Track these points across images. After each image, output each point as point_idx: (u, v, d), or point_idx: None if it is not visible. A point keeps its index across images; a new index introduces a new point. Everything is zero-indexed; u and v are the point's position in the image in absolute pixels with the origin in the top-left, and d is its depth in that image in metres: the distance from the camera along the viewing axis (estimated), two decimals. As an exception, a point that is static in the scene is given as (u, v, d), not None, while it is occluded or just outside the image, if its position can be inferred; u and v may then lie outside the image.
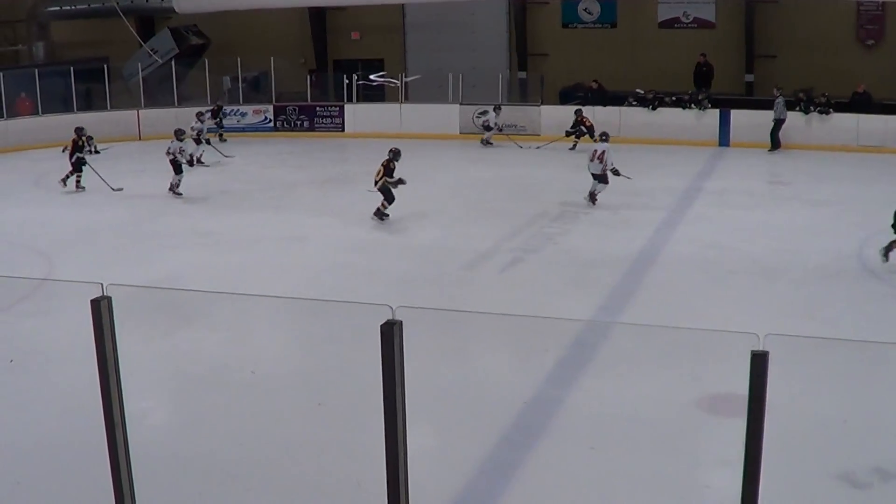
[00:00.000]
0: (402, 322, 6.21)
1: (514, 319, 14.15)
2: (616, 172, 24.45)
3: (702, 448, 11.21)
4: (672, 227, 22.26)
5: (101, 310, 7.15)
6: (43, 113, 38.55)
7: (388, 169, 22.75)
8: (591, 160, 24.74)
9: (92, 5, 43.98)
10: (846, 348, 12.53)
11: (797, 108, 33.04)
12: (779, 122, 32.55)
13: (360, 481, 10.03)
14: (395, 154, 23.08)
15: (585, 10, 41.50)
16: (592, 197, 24.46)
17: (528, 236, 21.65)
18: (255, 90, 42.31)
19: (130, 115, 38.75)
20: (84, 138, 28.36)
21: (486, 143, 35.00)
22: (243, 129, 39.45)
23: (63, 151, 28.85)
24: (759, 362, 6.00)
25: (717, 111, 34.65)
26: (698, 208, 24.42)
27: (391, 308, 6.19)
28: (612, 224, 22.52)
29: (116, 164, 29.94)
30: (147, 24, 46.32)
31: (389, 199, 22.78)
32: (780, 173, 29.70)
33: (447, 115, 36.59)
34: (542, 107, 36.56)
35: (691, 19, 39.71)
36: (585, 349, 14.50)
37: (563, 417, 12.20)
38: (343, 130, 39.19)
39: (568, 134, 33.64)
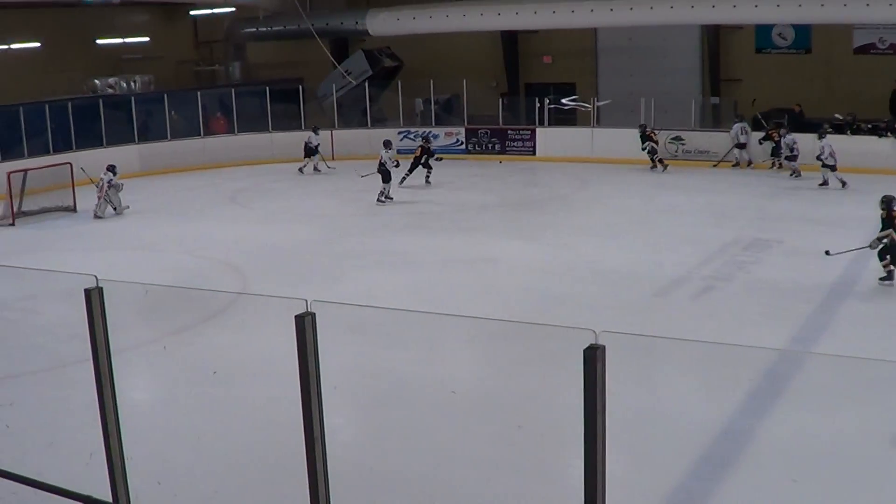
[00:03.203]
0: (605, 347, 6.25)
1: (707, 347, 14.05)
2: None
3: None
4: (868, 257, 21.77)
5: (306, 325, 7.26)
6: (238, 132, 39.47)
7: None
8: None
9: (288, 27, 45.01)
10: None
11: None
12: None
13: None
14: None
15: (779, 35, 40.95)
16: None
17: (720, 264, 21.41)
18: (448, 113, 42.66)
19: (324, 135, 39.37)
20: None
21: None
22: (435, 151, 39.76)
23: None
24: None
25: (914, 138, 33.68)
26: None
27: (594, 332, 6.23)
28: (806, 253, 22.10)
29: (309, 185, 30.48)
30: (341, 45, 47.18)
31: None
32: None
33: (639, 140, 36.33)
34: (736, 133, 36.17)
35: (887, 45, 38.81)
36: (778, 380, 14.30)
37: (757, 449, 12.08)
38: (534, 154, 39.33)
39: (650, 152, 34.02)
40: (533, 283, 20.27)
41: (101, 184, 28.99)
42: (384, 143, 30.18)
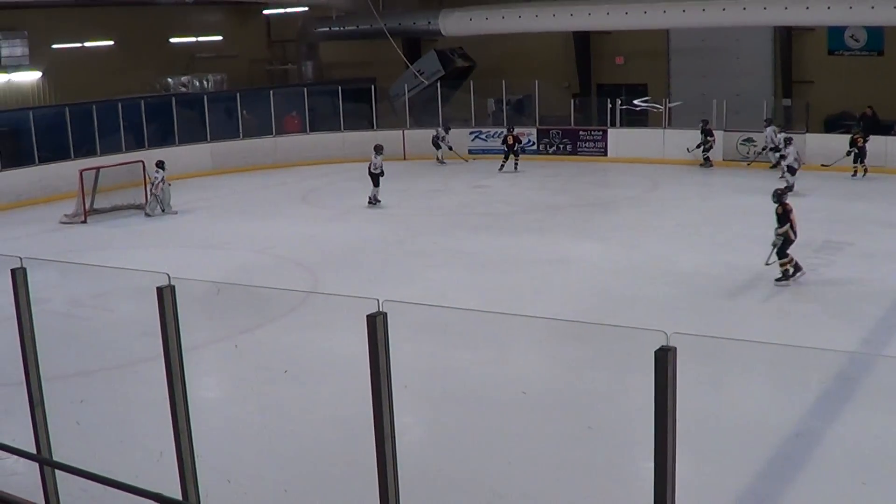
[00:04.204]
0: (676, 349, 6.24)
1: (776, 349, 13.96)
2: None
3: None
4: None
5: (377, 325, 7.28)
6: (311, 131, 39.67)
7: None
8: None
9: (360, 27, 45.13)
10: None
11: None
12: None
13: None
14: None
15: (852, 37, 40.54)
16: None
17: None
18: (520, 113, 42.67)
19: (396, 134, 39.58)
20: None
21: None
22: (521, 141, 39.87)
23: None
24: None
25: None
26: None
27: (665, 334, 6.22)
28: (878, 256, 21.90)
29: (383, 184, 30.59)
30: (414, 45, 47.28)
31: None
32: None
33: (700, 136, 36.14)
34: (808, 135, 35.84)
35: (960, 46, 38.49)
36: (849, 382, 14.19)
37: (827, 451, 11.99)
38: (606, 155, 39.21)
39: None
40: (604, 284, 20.24)
41: (155, 181, 29.28)
42: (375, 147, 29.87)
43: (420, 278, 20.84)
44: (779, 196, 19.95)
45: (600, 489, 10.89)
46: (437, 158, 39.07)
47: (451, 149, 38.51)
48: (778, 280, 19.75)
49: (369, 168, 29.56)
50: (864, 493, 10.57)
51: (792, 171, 29.69)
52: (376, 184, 29.49)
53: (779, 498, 10.80)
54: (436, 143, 38.98)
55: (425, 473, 10.67)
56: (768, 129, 34.86)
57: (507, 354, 15.16)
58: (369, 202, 29.58)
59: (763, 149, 35.09)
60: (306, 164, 37.43)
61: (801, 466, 11.54)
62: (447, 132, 38.88)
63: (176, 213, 29.35)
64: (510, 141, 36.41)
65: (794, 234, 19.78)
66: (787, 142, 29.96)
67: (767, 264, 19.93)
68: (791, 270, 19.84)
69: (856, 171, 32.63)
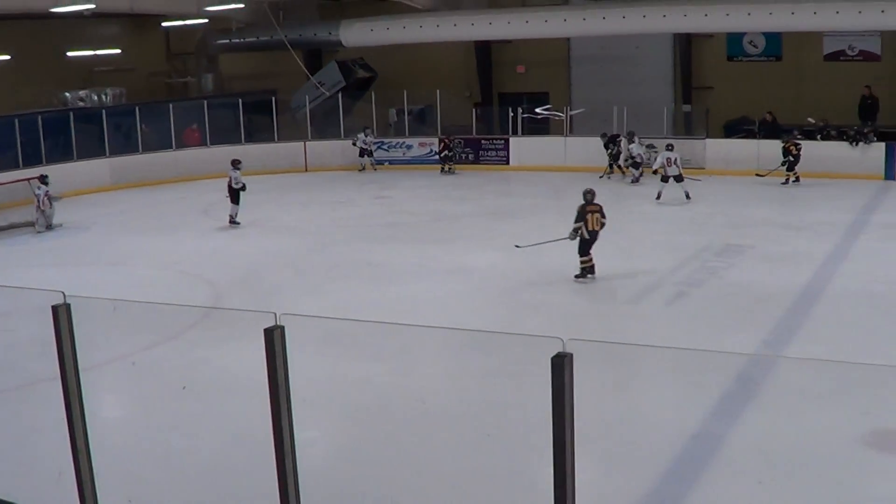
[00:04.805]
0: (572, 355, 6.26)
1: (679, 353, 14.08)
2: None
3: (870, 485, 10.98)
4: (838, 262, 21.92)
5: (275, 339, 7.26)
6: (211, 144, 39.45)
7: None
8: (669, 165, 29.85)
9: (261, 38, 44.92)
10: None
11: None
12: None
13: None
14: (593, 194, 21.13)
15: (751, 42, 41.15)
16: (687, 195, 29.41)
17: (693, 270, 21.50)
18: (421, 123, 42.72)
19: (297, 146, 39.52)
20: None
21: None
22: (409, 162, 39.95)
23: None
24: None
25: (882, 144, 33.89)
26: (865, 242, 23.99)
27: (562, 340, 6.24)
28: (777, 258, 22.23)
29: (283, 196, 30.47)
30: (315, 57, 47.12)
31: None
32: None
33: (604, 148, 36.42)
34: (707, 140, 36.29)
35: (856, 52, 39.17)
36: (750, 384, 14.36)
37: (728, 452, 12.11)
38: (508, 163, 39.49)
39: None
40: (507, 293, 20.33)
41: (39, 197, 28.72)
42: (232, 162, 28.69)
43: (323, 291, 20.74)
44: (584, 194, 20.91)
45: (501, 496, 10.90)
46: (366, 166, 39.78)
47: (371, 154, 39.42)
48: (576, 277, 20.66)
49: (229, 184, 28.40)
50: (761, 492, 10.68)
51: (636, 165, 32.73)
52: (235, 201, 28.35)
53: (681, 500, 10.87)
54: (363, 151, 39.48)
55: (329, 487, 10.60)
56: (625, 142, 35.21)
57: (410, 365, 15.15)
58: (231, 222, 28.44)
59: (625, 161, 35.32)
60: (207, 178, 37.04)
61: (703, 468, 11.63)
62: (367, 135, 39.38)
63: (61, 225, 28.85)
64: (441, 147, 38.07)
65: (588, 233, 20.53)
66: (645, 147, 32.09)
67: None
68: (585, 272, 20.64)
69: (787, 179, 32.86)
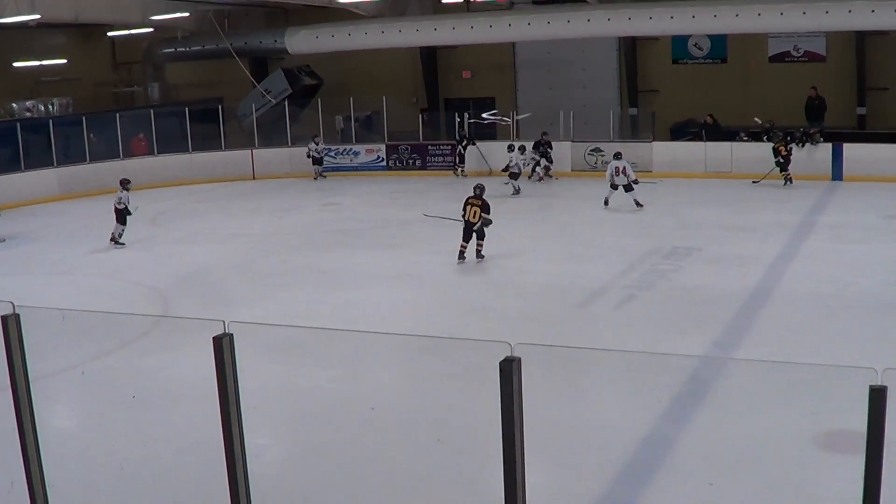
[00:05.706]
0: (520, 359, 6.28)
1: (629, 356, 14.15)
2: (636, 182, 29.86)
3: (820, 485, 11.08)
4: (786, 263, 22.07)
5: (224, 347, 7.27)
6: (158, 153, 39.29)
7: (486, 205, 23.14)
8: (617, 175, 29.89)
9: (206, 47, 44.82)
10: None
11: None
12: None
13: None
14: (482, 189, 23.65)
15: (696, 45, 41.40)
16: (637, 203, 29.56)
17: (641, 273, 21.58)
18: (368, 129, 42.68)
19: (244, 154, 39.45)
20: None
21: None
22: (356, 168, 39.93)
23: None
24: (877, 397, 5.96)
25: (829, 145, 34.11)
26: (813, 243, 24.16)
27: (510, 345, 6.26)
28: (725, 260, 22.34)
29: (231, 204, 30.34)
30: (261, 64, 47.05)
31: (483, 236, 23.38)
32: (896, 207, 29.20)
33: (559, 153, 36.53)
34: (654, 143, 36.44)
35: (802, 53, 39.52)
36: (700, 386, 14.43)
37: (679, 454, 12.17)
38: (454, 169, 39.31)
39: None
40: (455, 298, 20.36)
41: None
42: (121, 182, 27.65)
43: (272, 298, 20.67)
44: (473, 188, 23.61)
45: (452, 501, 10.92)
46: (320, 175, 39.83)
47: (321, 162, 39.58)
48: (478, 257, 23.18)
49: (115, 204, 27.23)
50: (711, 494, 10.74)
51: (514, 175, 33.15)
52: (121, 221, 27.18)
53: (632, 503, 10.92)
54: (316, 159, 39.59)
55: (280, 494, 10.61)
56: (513, 153, 34.75)
57: (359, 371, 15.12)
58: (113, 241, 27.27)
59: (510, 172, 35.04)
60: (155, 187, 36.87)
61: (654, 471, 11.69)
62: (317, 143, 39.43)
63: (4, 241, 28.45)
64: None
65: (464, 221, 23.16)
66: (511, 148, 33.44)
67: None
68: (461, 254, 23.20)
69: (785, 179, 32.85)
